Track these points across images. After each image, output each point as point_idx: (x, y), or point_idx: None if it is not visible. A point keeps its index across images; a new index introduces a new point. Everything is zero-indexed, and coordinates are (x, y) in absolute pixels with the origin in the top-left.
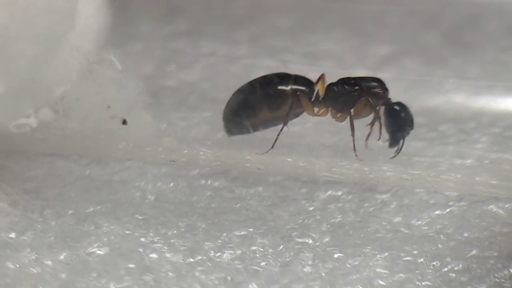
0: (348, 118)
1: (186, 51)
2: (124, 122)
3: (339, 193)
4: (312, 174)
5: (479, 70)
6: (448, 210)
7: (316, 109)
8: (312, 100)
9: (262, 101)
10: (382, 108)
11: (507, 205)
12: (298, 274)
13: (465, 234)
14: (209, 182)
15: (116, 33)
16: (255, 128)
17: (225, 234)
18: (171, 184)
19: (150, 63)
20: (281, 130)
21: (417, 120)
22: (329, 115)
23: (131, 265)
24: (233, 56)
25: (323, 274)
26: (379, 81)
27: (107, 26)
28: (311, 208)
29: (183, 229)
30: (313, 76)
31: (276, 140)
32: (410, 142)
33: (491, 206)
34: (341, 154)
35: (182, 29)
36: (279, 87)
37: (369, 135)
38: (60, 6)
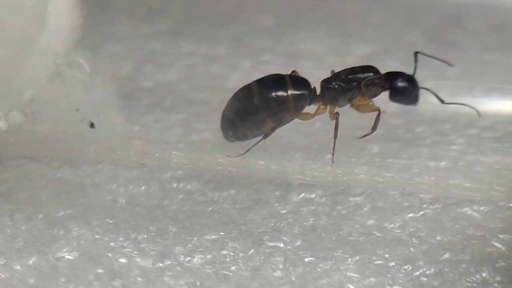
0: (349, 113)
1: (164, 51)
2: (92, 125)
3: (313, 195)
4: (285, 176)
5: (460, 70)
6: (421, 212)
7: (314, 108)
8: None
9: (260, 109)
10: (388, 92)
11: (482, 208)
12: (268, 278)
13: (438, 238)
14: (181, 185)
15: (88, 34)
16: (255, 135)
17: (196, 238)
18: (143, 187)
19: (126, 64)
20: (262, 138)
21: (393, 121)
22: (326, 113)
23: (100, 270)
24: (212, 56)
25: (293, 279)
26: (373, 69)
27: (79, 27)
28: (283, 211)
29: (153, 233)
30: None
31: (252, 147)
32: (385, 144)
33: (465, 209)
34: (314, 156)
35: (161, 29)
36: (278, 93)
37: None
38: (30, 8)
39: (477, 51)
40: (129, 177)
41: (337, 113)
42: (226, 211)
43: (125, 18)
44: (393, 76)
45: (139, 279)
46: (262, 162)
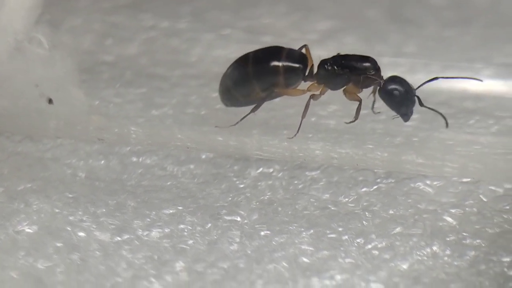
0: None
1: (125, 24)
2: (50, 101)
3: (271, 170)
4: (243, 152)
5: (418, 47)
6: (375, 187)
7: (307, 84)
8: (306, 75)
9: (253, 79)
10: (378, 89)
11: (435, 183)
12: (224, 252)
13: (391, 212)
14: (140, 159)
15: (48, 9)
16: (248, 103)
17: (154, 212)
18: (102, 161)
19: (87, 38)
20: (251, 111)
21: None
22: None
23: (59, 244)
24: (173, 30)
25: (249, 252)
26: (371, 61)
27: (39, 3)
28: (241, 186)
29: (112, 208)
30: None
31: (241, 119)
32: (341, 119)
33: (418, 183)
34: (272, 132)
35: (122, 2)
36: (270, 64)
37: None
38: None
39: (436, 27)
40: (89, 151)
41: (311, 94)
42: (184, 186)
43: None
44: (394, 80)
45: (97, 252)
46: (220, 138)
